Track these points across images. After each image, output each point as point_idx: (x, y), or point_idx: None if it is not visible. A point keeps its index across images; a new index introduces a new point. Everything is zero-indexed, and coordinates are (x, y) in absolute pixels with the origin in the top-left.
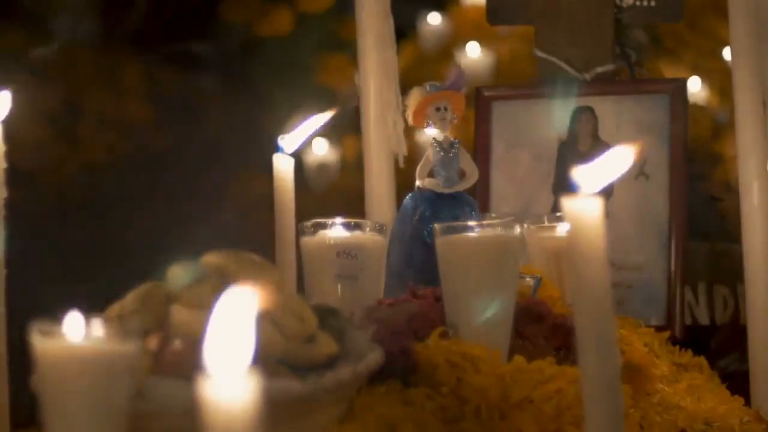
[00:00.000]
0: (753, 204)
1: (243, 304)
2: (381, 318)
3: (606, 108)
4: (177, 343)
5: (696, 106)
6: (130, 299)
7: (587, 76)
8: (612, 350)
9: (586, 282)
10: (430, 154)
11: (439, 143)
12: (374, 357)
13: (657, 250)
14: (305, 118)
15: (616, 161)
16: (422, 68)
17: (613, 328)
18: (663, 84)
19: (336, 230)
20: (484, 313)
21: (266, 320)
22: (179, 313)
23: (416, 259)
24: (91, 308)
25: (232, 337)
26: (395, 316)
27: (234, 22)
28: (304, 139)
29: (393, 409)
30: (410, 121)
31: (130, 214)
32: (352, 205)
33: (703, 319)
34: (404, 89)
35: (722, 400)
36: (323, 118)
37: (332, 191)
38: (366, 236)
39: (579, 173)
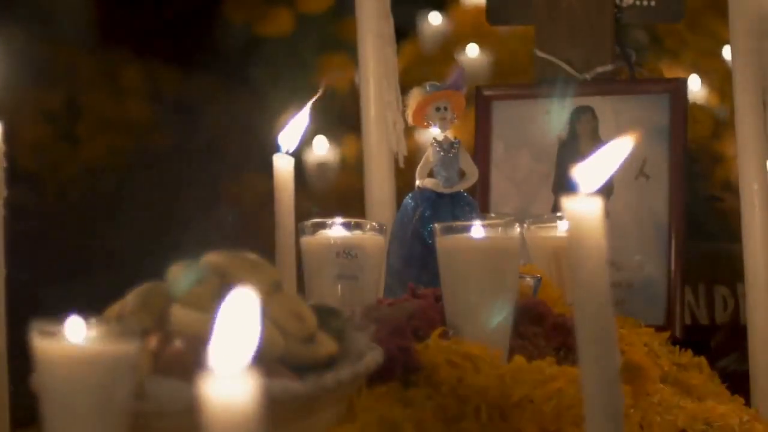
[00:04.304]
0: (753, 204)
1: (246, 306)
2: (381, 317)
3: (606, 108)
4: (177, 343)
5: (696, 106)
6: (130, 299)
7: (587, 76)
8: (612, 350)
9: (586, 282)
10: (430, 154)
11: (439, 143)
12: (374, 357)
13: (657, 250)
14: (295, 113)
15: (614, 154)
16: (422, 68)
17: (613, 328)
18: (663, 84)
19: (336, 230)
20: (484, 312)
21: (266, 320)
22: (179, 313)
23: (416, 259)
24: (90, 308)
25: (233, 337)
26: (395, 316)
27: (234, 22)
28: (300, 134)
29: (393, 409)
30: (410, 120)
31: (129, 213)
32: (352, 205)
33: (703, 319)
34: (404, 89)
35: (722, 400)
36: (308, 105)
37: (332, 191)
38: (366, 236)
39: (578, 172)
